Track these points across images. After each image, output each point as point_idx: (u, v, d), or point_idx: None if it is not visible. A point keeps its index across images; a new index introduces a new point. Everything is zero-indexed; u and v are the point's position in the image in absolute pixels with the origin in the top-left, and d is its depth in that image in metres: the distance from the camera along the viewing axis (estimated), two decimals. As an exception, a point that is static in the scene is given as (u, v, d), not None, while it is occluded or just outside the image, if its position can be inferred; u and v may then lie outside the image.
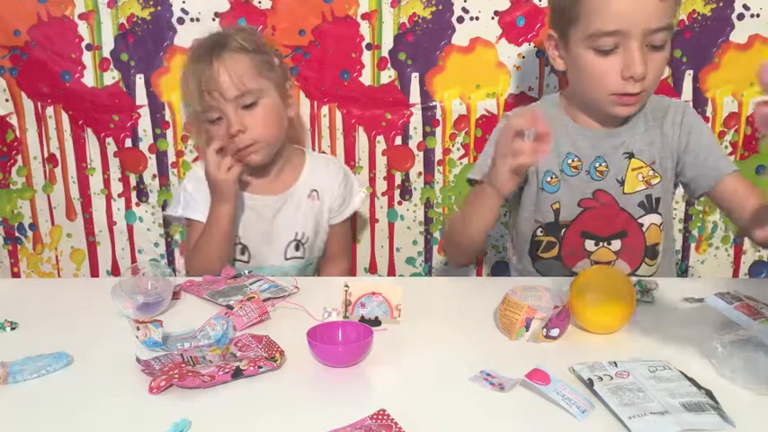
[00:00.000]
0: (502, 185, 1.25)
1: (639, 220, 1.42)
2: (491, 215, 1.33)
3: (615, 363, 0.90)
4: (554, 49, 1.41)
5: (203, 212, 1.54)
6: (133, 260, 1.92)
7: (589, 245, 1.42)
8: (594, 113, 1.41)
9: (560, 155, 1.42)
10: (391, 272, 1.92)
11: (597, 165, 1.41)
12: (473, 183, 1.46)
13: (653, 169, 1.41)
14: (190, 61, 1.51)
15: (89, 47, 1.76)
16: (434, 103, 1.77)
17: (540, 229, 1.46)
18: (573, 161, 1.42)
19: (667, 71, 1.72)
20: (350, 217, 1.73)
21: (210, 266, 1.44)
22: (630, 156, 1.40)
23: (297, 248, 1.62)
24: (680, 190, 1.54)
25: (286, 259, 1.61)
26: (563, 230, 1.43)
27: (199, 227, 1.55)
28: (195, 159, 1.82)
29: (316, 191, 1.64)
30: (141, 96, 1.79)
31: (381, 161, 1.82)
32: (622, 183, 1.41)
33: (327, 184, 1.66)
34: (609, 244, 1.42)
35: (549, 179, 1.42)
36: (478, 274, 1.91)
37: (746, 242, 1.85)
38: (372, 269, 1.93)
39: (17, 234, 1.93)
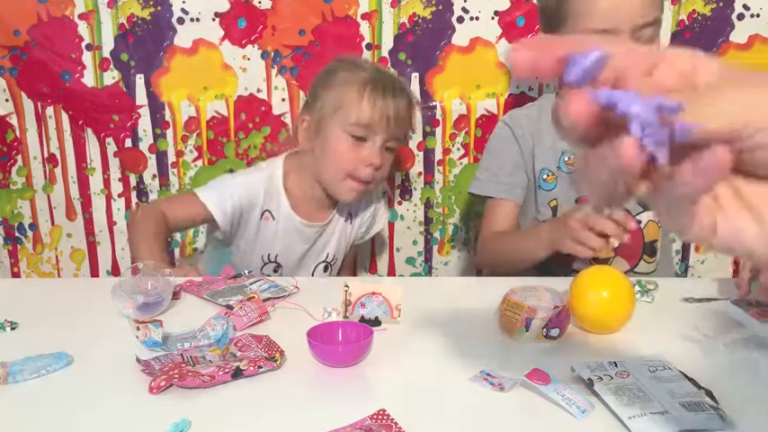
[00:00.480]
0: (566, 250, 1.28)
1: (637, 217, 1.42)
2: (542, 257, 1.37)
3: (615, 363, 0.90)
4: None
5: (220, 217, 1.51)
6: (133, 260, 1.92)
7: None
8: None
9: (557, 152, 1.43)
10: (391, 272, 1.92)
11: None
12: (476, 196, 1.50)
13: None
14: (367, 80, 1.48)
15: (89, 47, 1.76)
16: (434, 103, 1.77)
17: None
18: (570, 159, 1.42)
19: (667, 71, 1.72)
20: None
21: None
22: None
23: (325, 269, 1.66)
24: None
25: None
26: None
27: (199, 210, 1.51)
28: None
29: (350, 213, 1.67)
30: (141, 96, 1.79)
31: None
32: None
33: (362, 207, 1.69)
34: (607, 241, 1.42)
35: (545, 176, 1.43)
36: (478, 274, 1.92)
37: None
38: (372, 269, 1.93)
39: (17, 234, 1.93)
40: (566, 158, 1.42)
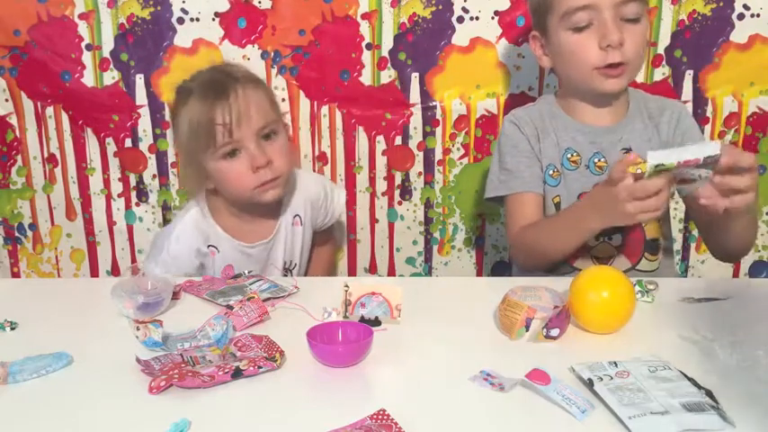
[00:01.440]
0: (621, 222, 1.23)
1: None
2: (581, 243, 1.34)
3: (615, 363, 0.90)
4: (540, 49, 1.45)
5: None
6: (133, 260, 1.92)
7: (590, 239, 1.42)
8: (590, 106, 1.42)
9: (560, 150, 1.43)
10: (391, 272, 1.92)
11: (596, 160, 1.41)
12: (491, 200, 1.48)
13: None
14: (195, 96, 1.43)
15: (89, 47, 1.76)
16: (434, 103, 1.77)
17: None
18: (572, 156, 1.42)
19: (668, 71, 1.72)
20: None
21: None
22: (628, 151, 1.39)
23: (286, 273, 1.61)
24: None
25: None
26: None
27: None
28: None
29: (298, 215, 1.61)
30: (141, 96, 1.79)
31: (381, 161, 1.82)
32: None
33: (309, 204, 1.63)
34: (609, 239, 1.42)
35: (551, 173, 1.43)
36: (478, 274, 1.91)
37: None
38: (372, 269, 1.93)
39: (17, 234, 1.93)
40: (568, 156, 1.42)
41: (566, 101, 1.46)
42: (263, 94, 1.47)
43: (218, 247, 1.52)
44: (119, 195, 1.89)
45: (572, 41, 1.34)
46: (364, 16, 1.72)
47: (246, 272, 1.33)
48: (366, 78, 1.76)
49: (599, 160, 1.41)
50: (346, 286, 1.10)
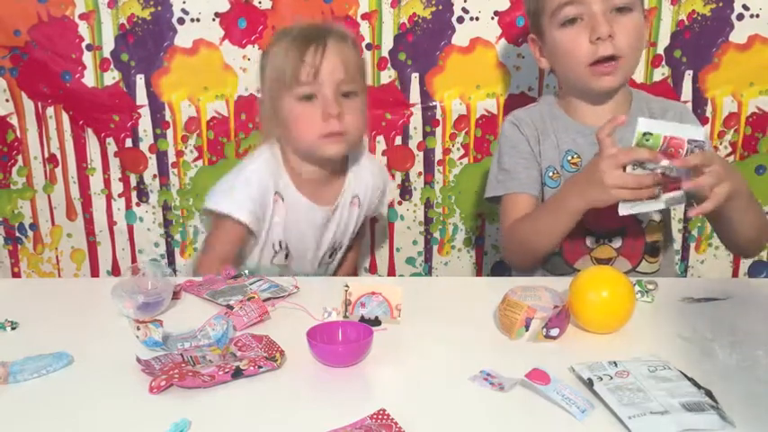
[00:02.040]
0: (599, 198, 1.21)
1: (638, 217, 1.42)
2: (568, 228, 1.31)
3: (615, 363, 0.90)
4: (537, 51, 1.45)
5: (249, 217, 1.46)
6: (133, 260, 1.93)
7: (590, 241, 1.42)
8: (591, 106, 1.41)
9: (561, 152, 1.43)
10: (391, 272, 1.92)
11: None
12: (491, 200, 1.47)
13: None
14: (292, 38, 1.44)
15: (89, 47, 1.76)
16: (434, 103, 1.77)
17: None
18: (573, 158, 1.42)
19: (667, 71, 1.72)
20: None
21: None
22: None
23: (330, 255, 1.63)
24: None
25: (318, 266, 1.62)
26: None
27: (234, 229, 1.47)
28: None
29: (357, 197, 1.61)
30: (141, 96, 1.79)
31: (381, 161, 1.82)
32: None
33: (369, 190, 1.63)
34: (609, 241, 1.42)
35: (551, 174, 1.43)
36: (478, 274, 1.92)
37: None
38: (372, 269, 1.93)
39: (17, 234, 1.94)
40: (569, 158, 1.42)
41: (566, 101, 1.45)
42: (355, 56, 1.48)
43: (283, 197, 1.51)
44: (119, 195, 1.89)
45: (563, 38, 1.33)
46: (364, 16, 1.72)
47: (246, 272, 1.33)
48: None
49: None
50: (346, 286, 1.10)
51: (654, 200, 1.17)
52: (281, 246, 1.54)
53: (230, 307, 1.10)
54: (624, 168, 1.16)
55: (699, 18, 1.69)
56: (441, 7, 1.71)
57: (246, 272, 1.33)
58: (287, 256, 1.56)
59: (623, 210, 1.18)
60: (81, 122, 1.83)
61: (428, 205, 1.86)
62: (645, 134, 1.13)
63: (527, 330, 1.02)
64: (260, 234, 1.51)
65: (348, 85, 1.44)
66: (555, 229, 1.31)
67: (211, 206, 1.47)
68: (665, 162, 1.14)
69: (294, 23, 1.51)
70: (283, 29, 1.51)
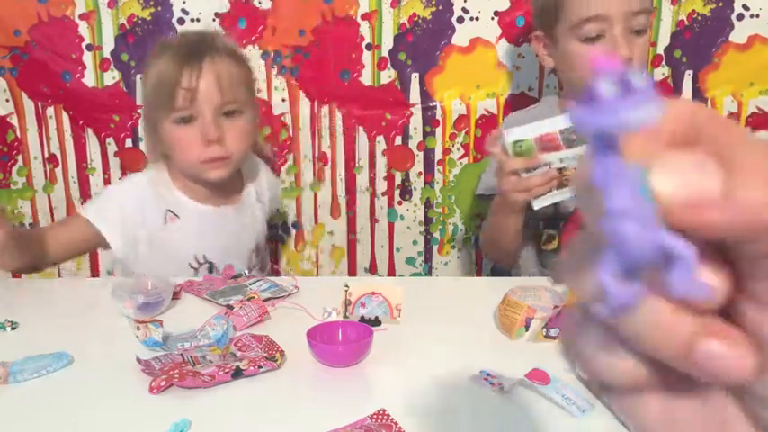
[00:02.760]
0: (513, 204, 1.28)
1: None
2: (518, 224, 1.37)
3: (615, 363, 0.90)
4: (543, 49, 1.46)
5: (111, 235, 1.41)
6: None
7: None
8: None
9: None
10: (391, 272, 1.92)
11: None
12: (482, 198, 1.49)
13: None
14: (169, 54, 1.37)
15: (89, 47, 1.76)
16: (434, 104, 1.77)
17: (542, 221, 1.47)
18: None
19: (667, 71, 1.73)
20: None
21: None
22: None
23: (257, 256, 1.57)
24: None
25: (250, 271, 1.49)
26: (562, 223, 1.44)
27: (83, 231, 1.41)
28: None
29: (257, 192, 1.58)
30: (141, 96, 1.79)
31: (381, 161, 1.82)
32: None
33: (264, 183, 1.61)
34: None
35: None
36: (478, 274, 1.92)
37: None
38: (372, 269, 1.93)
39: (17, 234, 1.93)
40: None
41: (569, 103, 1.45)
42: (238, 71, 1.41)
43: (178, 214, 1.44)
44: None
45: (581, 52, 1.34)
46: (364, 16, 1.72)
47: (246, 272, 1.33)
48: (366, 79, 1.76)
49: None
50: (346, 286, 1.10)
51: (561, 189, 1.22)
52: (198, 261, 1.46)
53: (230, 307, 1.10)
54: (520, 174, 1.21)
55: (699, 18, 1.69)
56: (441, 7, 1.71)
57: (246, 272, 1.33)
58: (211, 269, 1.48)
59: (535, 204, 1.23)
60: (81, 122, 1.83)
61: (428, 205, 1.86)
62: (515, 143, 1.17)
63: (527, 330, 1.02)
64: (127, 254, 1.44)
65: (229, 105, 1.38)
66: (506, 227, 1.37)
67: (86, 213, 1.42)
68: (550, 157, 1.18)
69: (176, 36, 1.49)
70: (163, 43, 1.44)
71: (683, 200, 0.21)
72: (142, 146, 1.83)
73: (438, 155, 1.81)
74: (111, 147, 1.84)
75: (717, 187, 0.21)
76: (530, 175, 1.20)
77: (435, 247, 1.90)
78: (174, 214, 1.45)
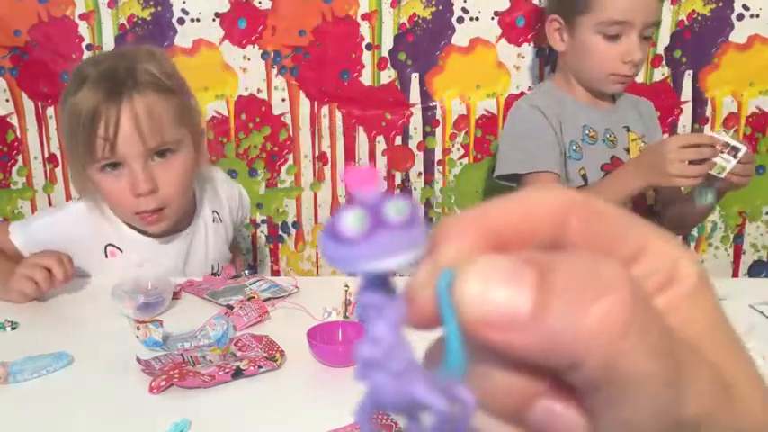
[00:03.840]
0: (661, 181, 1.35)
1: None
2: (629, 200, 1.43)
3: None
4: (556, 32, 1.54)
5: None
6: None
7: None
8: (591, 94, 1.55)
9: (578, 127, 1.52)
10: (391, 272, 1.92)
11: (608, 135, 1.54)
12: (502, 178, 1.54)
13: (643, 141, 1.56)
14: (84, 92, 1.19)
15: (89, 47, 1.76)
16: (434, 104, 1.77)
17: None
18: (590, 132, 1.53)
19: (667, 71, 1.73)
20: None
21: None
22: (628, 129, 1.56)
23: (217, 274, 1.43)
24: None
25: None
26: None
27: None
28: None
29: (216, 212, 1.44)
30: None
31: (381, 161, 1.82)
32: (627, 151, 1.55)
33: (224, 201, 1.47)
34: None
35: (574, 148, 1.52)
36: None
37: (746, 242, 1.85)
38: (372, 269, 1.93)
39: (17, 234, 1.93)
40: (587, 132, 1.53)
41: (569, 85, 1.56)
42: (166, 104, 1.22)
43: (120, 248, 1.32)
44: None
45: (601, 47, 1.46)
46: (364, 17, 1.72)
47: (246, 272, 1.33)
48: (366, 79, 1.76)
49: (610, 135, 1.54)
50: (346, 286, 1.10)
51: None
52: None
53: (230, 307, 1.10)
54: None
55: (699, 18, 1.69)
56: (441, 7, 1.71)
57: (246, 272, 1.33)
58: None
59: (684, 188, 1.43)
60: (81, 122, 1.82)
61: (428, 205, 1.86)
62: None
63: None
64: None
65: (162, 146, 1.22)
66: (626, 194, 1.42)
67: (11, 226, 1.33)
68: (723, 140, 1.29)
69: (97, 57, 1.34)
70: (78, 72, 1.24)
71: (486, 317, 0.17)
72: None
73: (438, 155, 1.81)
74: (111, 147, 1.84)
75: (528, 304, 0.17)
76: (692, 167, 1.30)
77: (435, 247, 1.90)
78: (116, 248, 1.32)
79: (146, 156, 1.21)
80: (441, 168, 1.82)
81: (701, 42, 1.70)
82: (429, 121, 1.79)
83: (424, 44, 1.74)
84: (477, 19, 1.71)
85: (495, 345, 0.18)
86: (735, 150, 1.28)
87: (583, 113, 1.54)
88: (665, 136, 1.69)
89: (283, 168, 1.84)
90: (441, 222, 0.19)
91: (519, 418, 0.19)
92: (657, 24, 1.52)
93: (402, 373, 0.18)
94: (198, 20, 1.73)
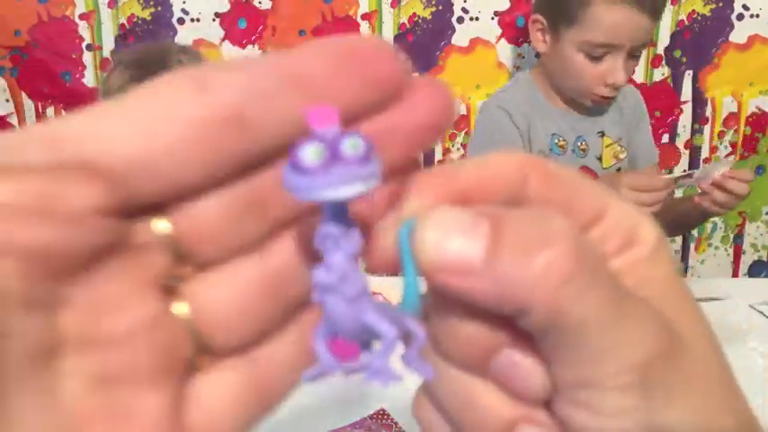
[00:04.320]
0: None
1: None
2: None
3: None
4: (539, 33, 1.45)
5: None
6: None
7: None
8: (568, 100, 1.47)
9: (547, 135, 1.46)
10: (391, 272, 1.92)
11: (579, 144, 1.47)
12: None
13: (620, 145, 1.49)
14: (117, 73, 1.28)
15: (89, 47, 1.76)
16: (434, 104, 1.77)
17: None
18: (559, 141, 1.46)
19: (667, 71, 1.73)
20: None
21: None
22: (602, 134, 1.48)
23: None
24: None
25: None
26: None
27: None
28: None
29: None
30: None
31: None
32: (600, 159, 1.48)
33: None
34: None
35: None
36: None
37: (746, 242, 1.85)
38: (372, 269, 1.93)
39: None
40: (556, 141, 1.46)
41: (545, 87, 1.48)
42: None
43: None
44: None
45: (582, 67, 1.36)
46: (364, 17, 1.72)
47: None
48: (366, 79, 1.76)
49: (581, 144, 1.47)
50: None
51: None
52: None
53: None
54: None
55: (699, 18, 1.69)
56: (440, 7, 1.71)
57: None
58: None
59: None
60: (81, 122, 1.83)
61: (428, 205, 1.86)
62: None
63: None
64: None
65: None
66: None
67: None
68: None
69: (130, 50, 1.40)
70: (116, 57, 1.36)
71: (442, 262, 0.19)
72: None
73: (438, 155, 1.81)
74: (112, 147, 1.84)
75: (480, 252, 0.18)
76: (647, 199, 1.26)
77: (435, 247, 1.90)
78: None
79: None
80: (441, 168, 1.83)
81: (701, 42, 1.70)
82: (429, 121, 1.79)
83: (424, 44, 1.74)
84: (477, 19, 1.72)
85: (451, 290, 0.19)
86: (689, 176, 1.29)
87: (553, 120, 1.46)
88: (663, 135, 1.68)
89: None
90: (408, 179, 0.21)
91: (482, 368, 0.21)
92: (648, 44, 1.46)
93: (355, 299, 0.19)
94: (198, 20, 1.73)
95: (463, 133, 1.79)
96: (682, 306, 0.21)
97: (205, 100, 0.17)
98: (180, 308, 0.19)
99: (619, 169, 1.48)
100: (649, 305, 0.20)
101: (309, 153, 0.17)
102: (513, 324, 0.19)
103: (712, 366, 0.21)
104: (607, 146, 1.48)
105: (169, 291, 0.19)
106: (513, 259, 0.18)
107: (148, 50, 1.32)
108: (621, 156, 1.50)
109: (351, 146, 0.18)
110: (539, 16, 1.44)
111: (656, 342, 0.19)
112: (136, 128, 0.17)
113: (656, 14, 1.35)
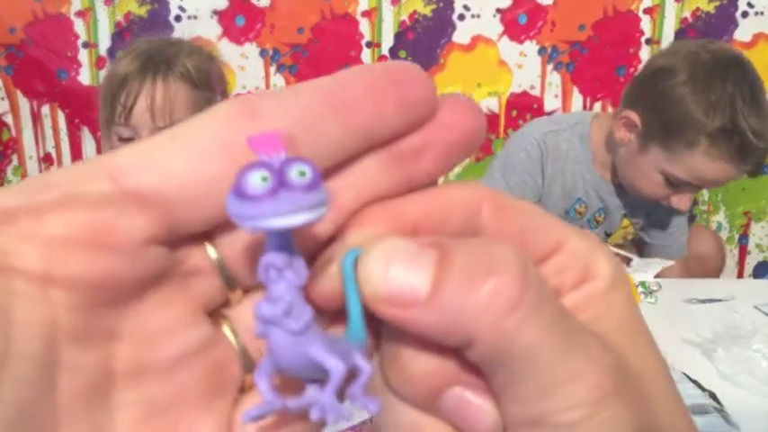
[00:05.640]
0: None
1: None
2: None
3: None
4: (626, 129, 1.31)
5: None
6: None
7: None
8: (611, 174, 1.39)
9: (571, 198, 1.40)
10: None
11: (598, 215, 1.42)
12: None
13: (634, 228, 1.45)
14: (125, 61, 1.29)
15: (85, 45, 1.75)
16: (434, 102, 1.76)
17: None
18: (580, 207, 1.41)
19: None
20: None
21: None
22: (625, 216, 1.43)
23: None
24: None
25: None
26: None
27: None
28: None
29: None
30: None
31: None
32: (608, 236, 1.44)
33: None
34: None
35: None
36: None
37: (751, 243, 1.84)
38: (372, 270, 1.92)
39: (13, 234, 1.92)
40: (576, 206, 1.41)
41: (598, 149, 1.39)
42: (187, 96, 1.28)
43: None
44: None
45: (657, 185, 1.30)
46: (364, 14, 1.71)
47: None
48: (365, 77, 1.75)
49: (599, 215, 1.42)
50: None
51: None
52: None
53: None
54: None
55: (703, 15, 1.67)
56: (441, 4, 1.70)
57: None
58: None
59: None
60: (77, 121, 1.81)
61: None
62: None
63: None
64: None
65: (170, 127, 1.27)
66: None
67: None
68: None
69: (151, 39, 1.39)
70: (132, 44, 1.36)
71: (386, 293, 0.18)
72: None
73: (438, 154, 1.80)
74: (108, 146, 1.83)
75: (426, 283, 0.18)
76: None
77: (435, 248, 1.89)
78: None
79: (155, 133, 1.23)
80: (441, 168, 1.81)
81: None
82: (429, 120, 1.77)
83: (425, 42, 1.72)
84: (478, 16, 1.70)
85: (395, 322, 0.18)
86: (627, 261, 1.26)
87: (586, 182, 1.39)
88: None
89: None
90: (356, 212, 0.20)
91: (432, 405, 0.20)
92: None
93: (300, 333, 0.18)
94: (195, 17, 1.72)
95: (464, 132, 1.78)
96: (636, 341, 0.21)
97: (256, 125, 0.18)
98: (228, 331, 0.20)
99: (619, 244, 1.45)
100: (599, 340, 0.19)
101: (255, 180, 0.17)
102: (463, 359, 0.19)
103: (665, 400, 0.21)
104: (623, 227, 1.45)
105: (216, 314, 0.20)
106: (459, 289, 0.18)
107: (162, 46, 1.33)
108: (630, 237, 1.48)
109: (298, 173, 0.17)
110: (634, 117, 1.29)
111: (606, 378, 0.19)
112: (189, 156, 0.18)
113: (754, 172, 1.29)
